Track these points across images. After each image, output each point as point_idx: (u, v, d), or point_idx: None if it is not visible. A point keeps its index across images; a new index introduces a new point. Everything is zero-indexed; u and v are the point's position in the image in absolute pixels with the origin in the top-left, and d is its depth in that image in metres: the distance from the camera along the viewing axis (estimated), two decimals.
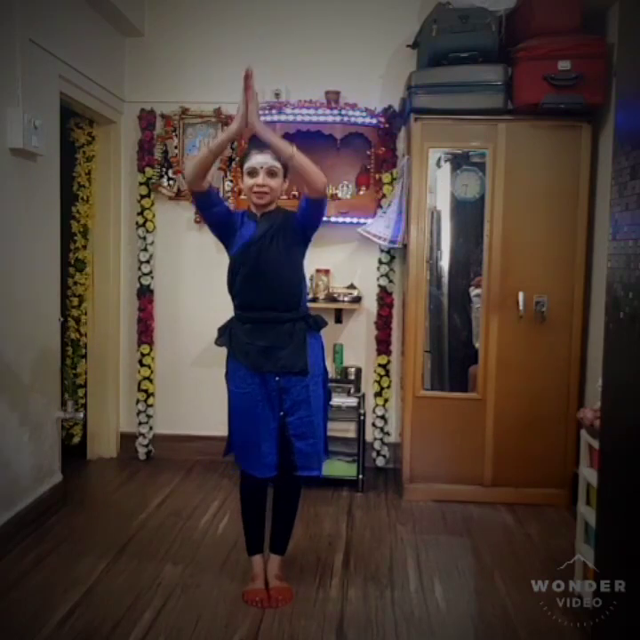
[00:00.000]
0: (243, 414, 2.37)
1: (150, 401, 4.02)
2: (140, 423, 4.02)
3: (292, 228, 2.37)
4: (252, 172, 2.32)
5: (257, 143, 2.33)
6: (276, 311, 2.33)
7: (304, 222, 2.38)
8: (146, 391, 4.01)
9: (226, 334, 2.42)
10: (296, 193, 3.63)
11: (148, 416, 4.02)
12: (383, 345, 3.90)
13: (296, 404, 2.36)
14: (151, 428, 4.04)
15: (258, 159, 2.30)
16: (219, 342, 2.44)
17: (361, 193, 3.81)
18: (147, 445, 4.03)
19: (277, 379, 2.34)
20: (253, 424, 2.35)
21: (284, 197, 3.49)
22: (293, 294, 2.35)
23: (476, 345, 3.45)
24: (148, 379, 4.01)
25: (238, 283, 2.34)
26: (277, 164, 2.31)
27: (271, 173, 2.31)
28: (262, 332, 2.33)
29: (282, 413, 2.36)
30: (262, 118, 3.60)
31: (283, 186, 2.39)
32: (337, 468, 3.66)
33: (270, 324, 2.33)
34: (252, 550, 2.52)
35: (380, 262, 3.85)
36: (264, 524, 2.53)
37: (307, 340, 2.38)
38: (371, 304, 3.91)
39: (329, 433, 3.61)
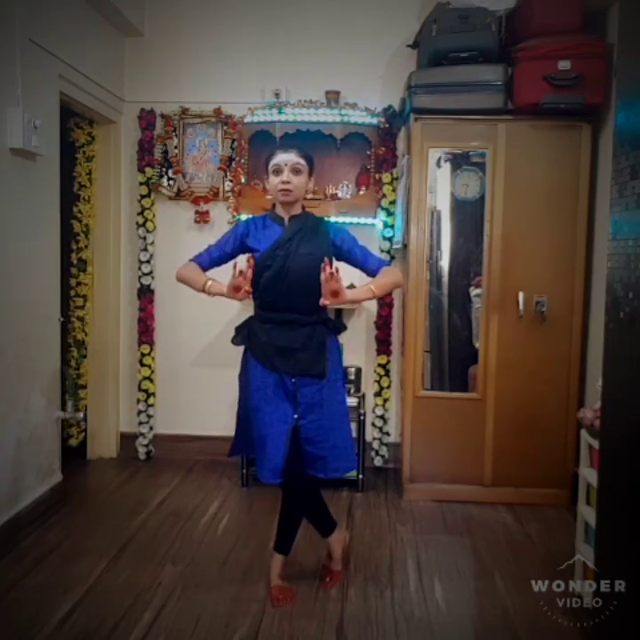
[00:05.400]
0: (255, 411, 2.35)
1: (150, 401, 4.02)
2: (140, 423, 4.02)
3: (325, 239, 2.38)
4: (277, 170, 2.32)
5: (281, 143, 2.34)
6: (298, 313, 2.33)
7: (343, 259, 2.42)
8: (146, 391, 4.01)
9: (244, 333, 2.42)
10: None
11: (149, 416, 4.02)
12: (383, 345, 3.90)
13: (309, 407, 2.34)
14: (151, 428, 4.04)
15: (282, 157, 2.31)
16: (236, 341, 2.44)
17: (361, 193, 3.81)
18: (147, 445, 4.03)
19: (293, 380, 2.34)
20: (264, 420, 2.33)
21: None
22: (316, 298, 2.32)
23: (476, 345, 3.45)
24: (149, 379, 4.00)
25: (262, 283, 2.32)
26: (302, 162, 2.33)
27: (296, 171, 2.32)
28: (282, 333, 2.33)
29: (296, 416, 2.34)
30: (262, 118, 3.66)
31: (308, 184, 2.40)
32: None
33: (290, 325, 2.33)
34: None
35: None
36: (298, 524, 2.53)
37: (326, 344, 2.38)
38: (370, 304, 3.90)
39: None
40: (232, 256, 2.41)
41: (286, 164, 2.31)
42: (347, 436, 2.44)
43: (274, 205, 2.45)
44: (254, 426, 2.36)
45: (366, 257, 2.43)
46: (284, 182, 2.31)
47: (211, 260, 2.41)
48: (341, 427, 2.41)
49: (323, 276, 2.17)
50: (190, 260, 2.42)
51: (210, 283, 2.33)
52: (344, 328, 2.53)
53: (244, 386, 2.42)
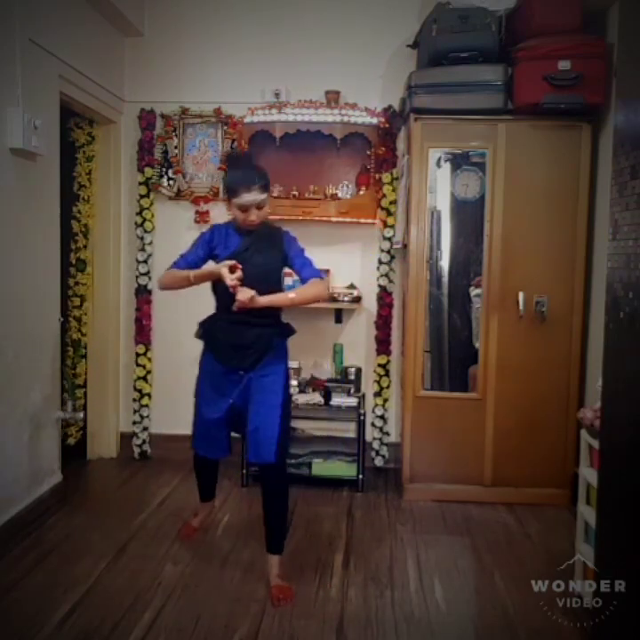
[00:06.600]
0: (201, 395, 2.70)
1: (144, 401, 4.01)
2: (133, 423, 4.02)
3: (279, 250, 2.57)
4: (243, 208, 2.46)
5: (242, 179, 2.45)
6: (251, 316, 2.48)
7: (288, 266, 2.59)
8: (140, 391, 4.01)
9: (205, 327, 2.67)
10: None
11: (142, 416, 4.02)
12: (383, 345, 3.90)
13: (253, 395, 2.53)
14: (145, 428, 4.03)
15: (247, 198, 2.44)
16: (198, 334, 2.71)
17: (361, 193, 3.81)
18: (140, 445, 4.02)
19: (241, 373, 2.56)
20: (207, 405, 2.65)
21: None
22: None
23: (476, 345, 3.45)
24: (143, 378, 4.00)
25: (219, 288, 2.50)
26: (264, 196, 2.48)
27: (260, 206, 2.47)
28: (235, 332, 2.54)
29: (231, 401, 2.57)
30: (262, 118, 3.66)
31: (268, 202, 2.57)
32: (337, 468, 3.66)
33: (244, 325, 2.51)
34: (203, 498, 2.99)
35: (380, 262, 3.85)
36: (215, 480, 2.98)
37: (273, 344, 2.56)
38: (370, 304, 3.90)
39: (329, 433, 3.65)
40: (204, 260, 2.60)
41: (251, 205, 2.44)
42: (280, 427, 2.51)
43: None
44: (199, 409, 2.71)
45: (303, 266, 2.56)
46: (251, 220, 2.47)
47: (187, 263, 2.57)
48: (268, 416, 2.51)
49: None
50: (167, 270, 2.60)
51: (193, 272, 2.50)
52: (293, 332, 2.66)
53: (200, 369, 2.73)
